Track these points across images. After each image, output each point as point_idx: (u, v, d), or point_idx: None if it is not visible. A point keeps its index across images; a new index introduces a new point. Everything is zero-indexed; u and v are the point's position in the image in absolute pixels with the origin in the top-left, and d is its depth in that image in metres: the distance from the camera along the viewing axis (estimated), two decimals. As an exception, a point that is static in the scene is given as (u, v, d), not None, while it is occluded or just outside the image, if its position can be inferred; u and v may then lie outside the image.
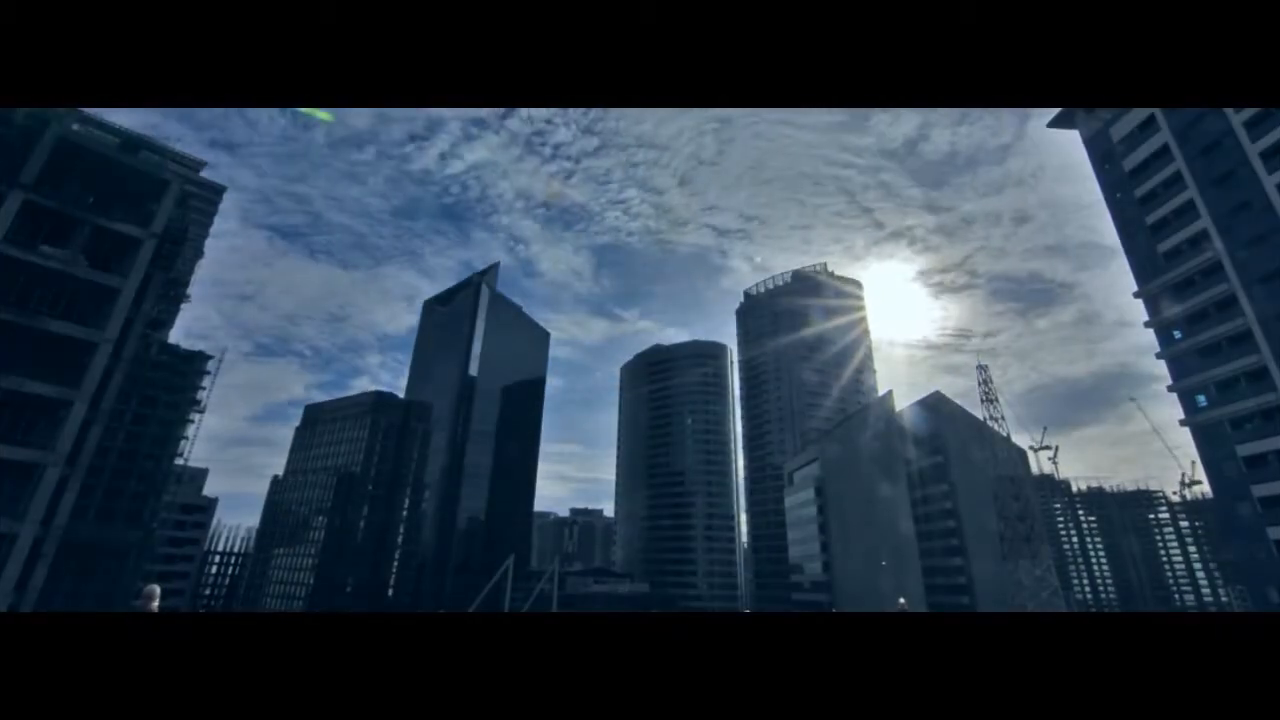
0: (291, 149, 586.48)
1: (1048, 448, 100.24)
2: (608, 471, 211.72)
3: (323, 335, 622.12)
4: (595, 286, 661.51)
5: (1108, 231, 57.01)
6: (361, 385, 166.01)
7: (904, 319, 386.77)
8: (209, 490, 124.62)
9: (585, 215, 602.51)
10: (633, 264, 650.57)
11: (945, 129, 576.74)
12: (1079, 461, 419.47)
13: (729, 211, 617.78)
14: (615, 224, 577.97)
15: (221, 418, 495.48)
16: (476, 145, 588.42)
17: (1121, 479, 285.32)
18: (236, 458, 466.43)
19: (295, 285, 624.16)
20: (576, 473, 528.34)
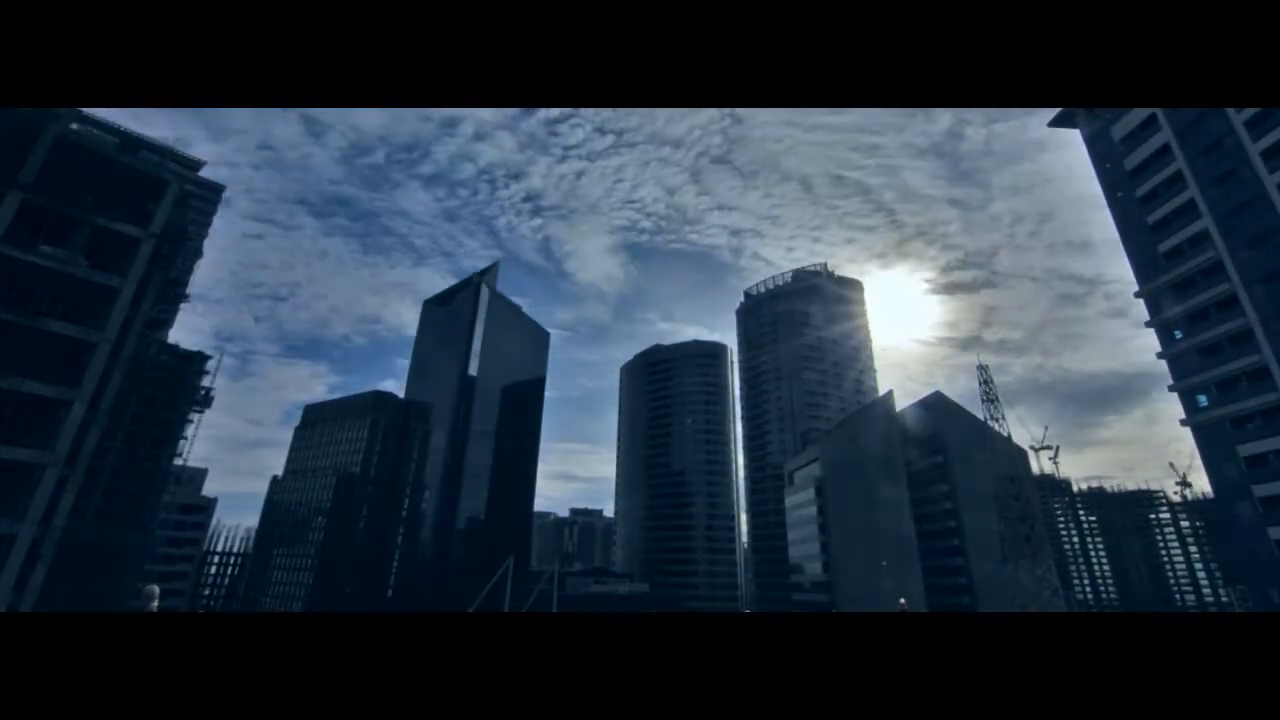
0: (325, 151, 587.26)
1: (1048, 447, 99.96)
2: (609, 471, 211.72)
3: (353, 337, 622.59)
4: (623, 287, 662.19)
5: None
6: (387, 389, 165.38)
7: (919, 318, 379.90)
8: (208, 490, 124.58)
9: (599, 214, 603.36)
10: (650, 264, 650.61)
11: (980, 126, 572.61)
12: (1096, 461, 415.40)
13: (742, 211, 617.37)
14: (628, 223, 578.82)
15: (237, 418, 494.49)
16: (498, 146, 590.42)
17: (1136, 478, 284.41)
18: (251, 459, 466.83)
19: (329, 288, 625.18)
20: (579, 472, 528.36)
